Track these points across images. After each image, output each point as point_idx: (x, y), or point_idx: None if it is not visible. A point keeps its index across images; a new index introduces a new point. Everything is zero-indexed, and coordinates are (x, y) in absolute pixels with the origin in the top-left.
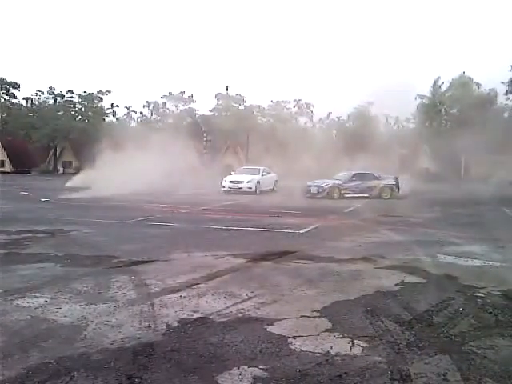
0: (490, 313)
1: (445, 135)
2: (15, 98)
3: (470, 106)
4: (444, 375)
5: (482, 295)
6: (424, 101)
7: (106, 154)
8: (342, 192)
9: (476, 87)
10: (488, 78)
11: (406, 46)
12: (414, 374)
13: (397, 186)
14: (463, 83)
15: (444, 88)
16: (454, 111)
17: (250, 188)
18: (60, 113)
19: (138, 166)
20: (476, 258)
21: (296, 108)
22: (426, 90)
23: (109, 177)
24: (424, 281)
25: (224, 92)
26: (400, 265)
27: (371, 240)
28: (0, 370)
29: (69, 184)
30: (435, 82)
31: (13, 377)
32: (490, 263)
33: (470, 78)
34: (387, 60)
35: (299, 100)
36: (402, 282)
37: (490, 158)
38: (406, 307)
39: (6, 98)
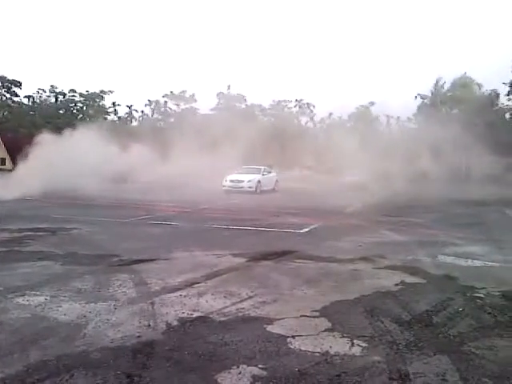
0: (490, 313)
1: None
2: (17, 95)
3: (472, 106)
4: (443, 375)
5: (482, 296)
6: (426, 101)
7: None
8: None
9: (477, 88)
10: (489, 79)
11: (408, 46)
12: (413, 373)
13: None
14: (464, 83)
15: (445, 88)
16: (455, 111)
17: (251, 187)
18: (61, 111)
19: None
20: (476, 259)
21: (297, 108)
22: (427, 90)
23: None
24: (424, 281)
25: (225, 91)
26: (400, 265)
27: (371, 240)
28: (0, 368)
29: None
30: (437, 81)
31: (13, 374)
32: (490, 264)
33: (471, 79)
34: (389, 60)
35: (301, 100)
36: (402, 283)
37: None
38: (406, 307)
39: (8, 95)
